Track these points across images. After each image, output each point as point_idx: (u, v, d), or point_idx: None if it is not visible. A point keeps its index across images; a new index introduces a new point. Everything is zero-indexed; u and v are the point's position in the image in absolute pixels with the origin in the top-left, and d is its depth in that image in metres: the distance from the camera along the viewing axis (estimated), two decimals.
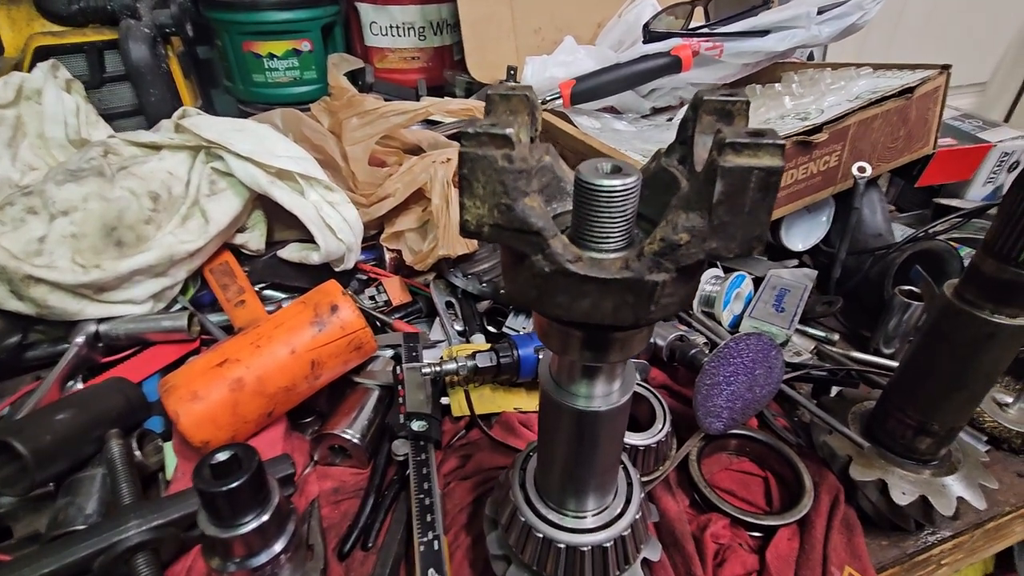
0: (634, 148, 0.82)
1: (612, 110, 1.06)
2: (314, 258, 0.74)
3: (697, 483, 0.54)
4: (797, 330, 0.75)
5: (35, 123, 0.77)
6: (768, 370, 0.60)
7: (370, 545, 0.51)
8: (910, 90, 0.76)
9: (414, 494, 0.50)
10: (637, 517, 0.42)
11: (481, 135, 0.23)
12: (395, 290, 0.76)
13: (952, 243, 0.78)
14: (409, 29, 1.09)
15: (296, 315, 0.56)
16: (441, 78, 1.15)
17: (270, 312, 0.70)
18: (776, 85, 0.93)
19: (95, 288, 0.64)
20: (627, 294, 0.25)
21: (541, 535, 0.40)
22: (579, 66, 0.98)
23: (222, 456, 0.41)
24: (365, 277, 0.82)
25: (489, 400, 0.63)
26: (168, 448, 0.57)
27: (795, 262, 0.90)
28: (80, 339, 0.64)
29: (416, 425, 0.55)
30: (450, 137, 0.93)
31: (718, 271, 0.80)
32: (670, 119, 1.00)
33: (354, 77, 1.04)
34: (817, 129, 0.71)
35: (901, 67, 0.84)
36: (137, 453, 0.53)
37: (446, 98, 0.90)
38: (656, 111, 1.08)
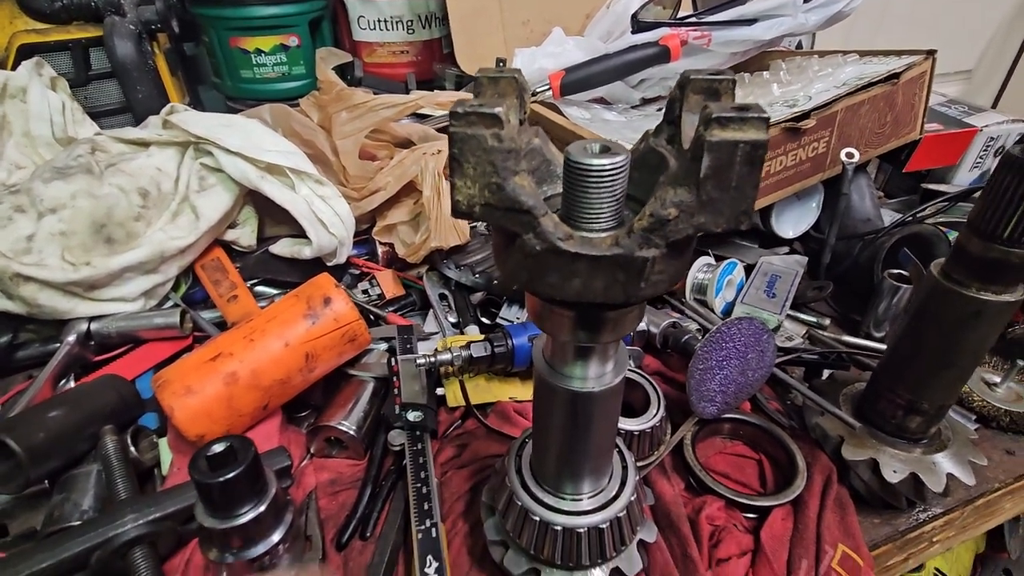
0: (624, 138, 0.82)
1: (602, 101, 1.06)
2: (306, 252, 0.74)
3: (692, 467, 0.55)
4: (788, 315, 0.76)
5: (20, 121, 0.76)
6: (760, 354, 0.60)
7: (368, 535, 0.51)
8: (896, 76, 0.77)
9: (411, 483, 0.50)
10: (632, 499, 0.42)
11: (470, 115, 0.23)
12: (388, 283, 0.76)
13: (940, 227, 0.79)
14: (397, 23, 1.09)
15: (289, 308, 0.56)
16: (431, 72, 1.14)
17: (263, 307, 0.69)
18: (764, 73, 0.93)
19: (85, 286, 0.64)
20: (618, 271, 0.25)
21: (538, 518, 0.41)
22: (568, 57, 0.98)
23: (218, 448, 0.41)
24: (358, 271, 0.82)
25: (485, 390, 0.63)
26: (163, 444, 0.57)
27: (786, 249, 0.90)
28: (72, 337, 0.64)
29: (412, 415, 0.56)
30: (440, 130, 0.93)
31: (710, 259, 0.81)
32: (660, 109, 1.00)
33: (343, 72, 1.03)
34: (805, 115, 0.72)
35: (887, 53, 0.85)
36: (132, 449, 0.53)
37: (435, 91, 0.90)
38: (646, 101, 1.09)
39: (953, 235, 0.81)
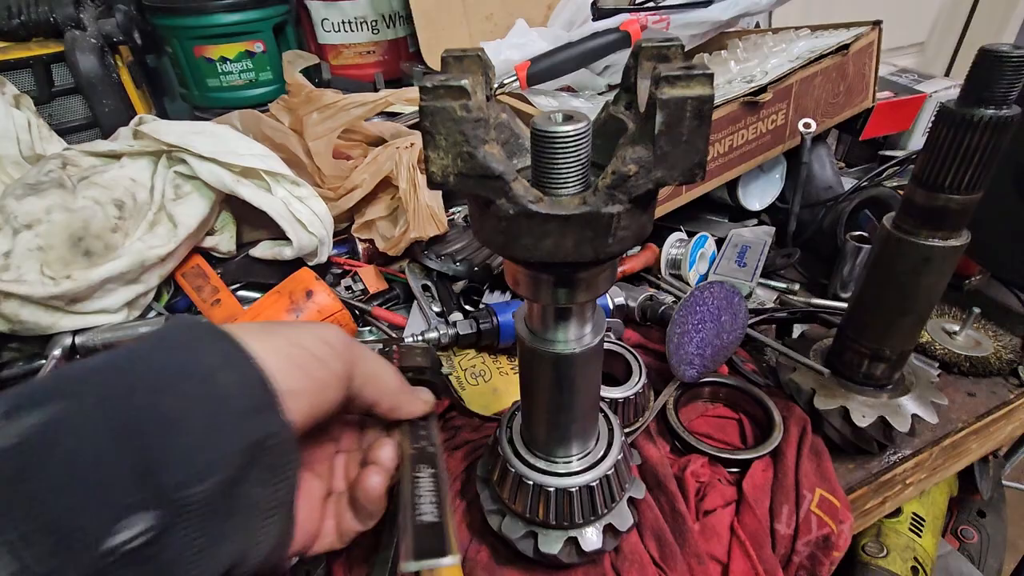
0: None
1: (569, 89, 1.09)
2: (287, 253, 0.74)
3: (676, 429, 0.57)
4: (760, 283, 0.79)
5: None
6: (733, 317, 0.63)
7: None
8: (846, 47, 0.80)
9: (410, 444, 0.50)
10: (619, 458, 0.44)
11: (438, 88, 0.25)
12: (371, 279, 0.78)
13: (896, 189, 0.83)
14: (362, 23, 1.10)
15: (272, 304, 0.57)
16: (398, 70, 1.15)
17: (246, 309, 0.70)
18: (722, 52, 0.96)
19: (67, 299, 0.64)
20: (586, 229, 0.27)
21: (531, 483, 0.43)
22: (533, 47, 1.00)
23: None
24: (339, 270, 0.83)
25: (490, 398, 0.63)
26: None
27: (754, 221, 0.94)
28: (57, 352, 0.64)
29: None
30: (411, 126, 0.94)
31: (682, 234, 0.84)
32: None
33: (310, 75, 1.03)
34: (762, 89, 0.75)
35: (836, 27, 0.89)
36: None
37: (404, 88, 0.91)
38: (611, 88, 1.11)
39: None
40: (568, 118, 0.29)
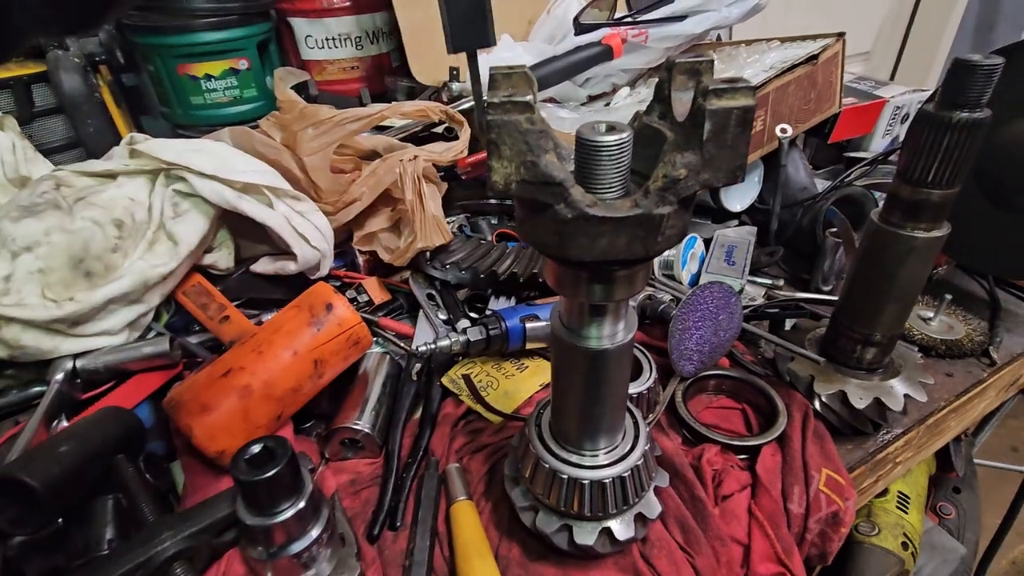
0: None
1: (553, 101, 1.12)
2: (291, 268, 0.74)
3: (687, 420, 0.60)
4: (748, 280, 0.83)
5: None
6: (730, 315, 0.67)
7: (398, 524, 0.53)
8: (815, 57, 0.86)
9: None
10: (647, 448, 0.47)
11: (505, 103, 0.27)
12: (374, 290, 0.78)
13: (866, 188, 0.89)
14: (346, 40, 1.11)
15: (293, 318, 0.57)
16: (382, 85, 1.16)
17: (256, 324, 0.70)
18: None
19: (69, 322, 0.63)
20: (638, 229, 0.30)
21: (566, 476, 0.44)
22: (519, 61, 1.03)
23: (255, 449, 0.42)
24: (339, 283, 0.83)
25: (505, 401, 0.64)
26: (175, 468, 0.57)
27: (736, 222, 0.98)
28: (59, 376, 0.62)
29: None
30: (403, 139, 0.96)
31: None
32: (607, 104, 1.07)
33: (297, 91, 1.04)
34: None
35: (804, 38, 0.95)
36: (147, 475, 0.53)
37: (397, 102, 0.92)
38: (592, 98, 1.15)
39: (878, 195, 0.91)
40: (611, 128, 0.31)
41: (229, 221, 0.79)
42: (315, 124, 0.83)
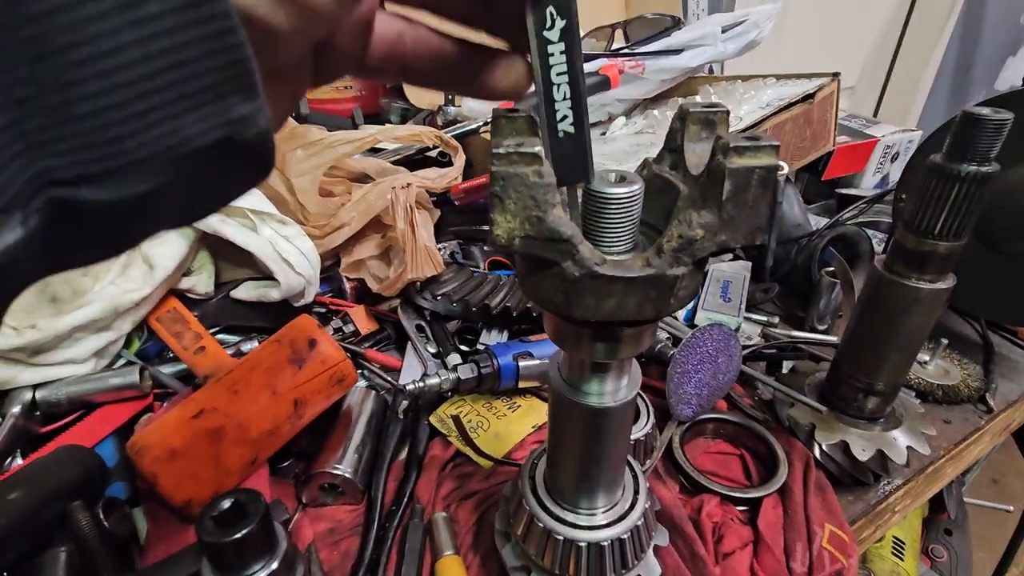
0: None
1: None
2: (274, 295, 0.71)
3: (684, 468, 0.58)
4: (744, 318, 0.82)
5: None
6: (729, 358, 0.65)
7: None
8: (811, 96, 0.86)
9: None
10: (647, 506, 0.44)
11: (511, 154, 0.25)
12: (361, 319, 0.75)
13: (861, 227, 0.89)
14: None
15: (272, 355, 0.54)
16: (376, 106, 1.15)
17: (232, 356, 0.66)
18: (696, 97, 1.01)
19: (30, 351, 0.59)
20: (650, 290, 0.27)
21: (562, 537, 0.41)
22: None
23: (225, 504, 0.39)
24: (324, 310, 0.80)
25: (495, 444, 0.61)
26: (137, 514, 0.53)
27: (729, 256, 0.97)
28: (16, 409, 0.58)
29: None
30: (395, 162, 0.94)
31: None
32: (603, 133, 1.06)
33: None
34: None
35: (799, 76, 0.95)
36: (105, 524, 0.49)
37: (390, 125, 0.90)
38: None
39: (872, 233, 0.91)
40: (621, 179, 0.29)
41: (209, 243, 0.75)
42: (305, 145, 0.80)
